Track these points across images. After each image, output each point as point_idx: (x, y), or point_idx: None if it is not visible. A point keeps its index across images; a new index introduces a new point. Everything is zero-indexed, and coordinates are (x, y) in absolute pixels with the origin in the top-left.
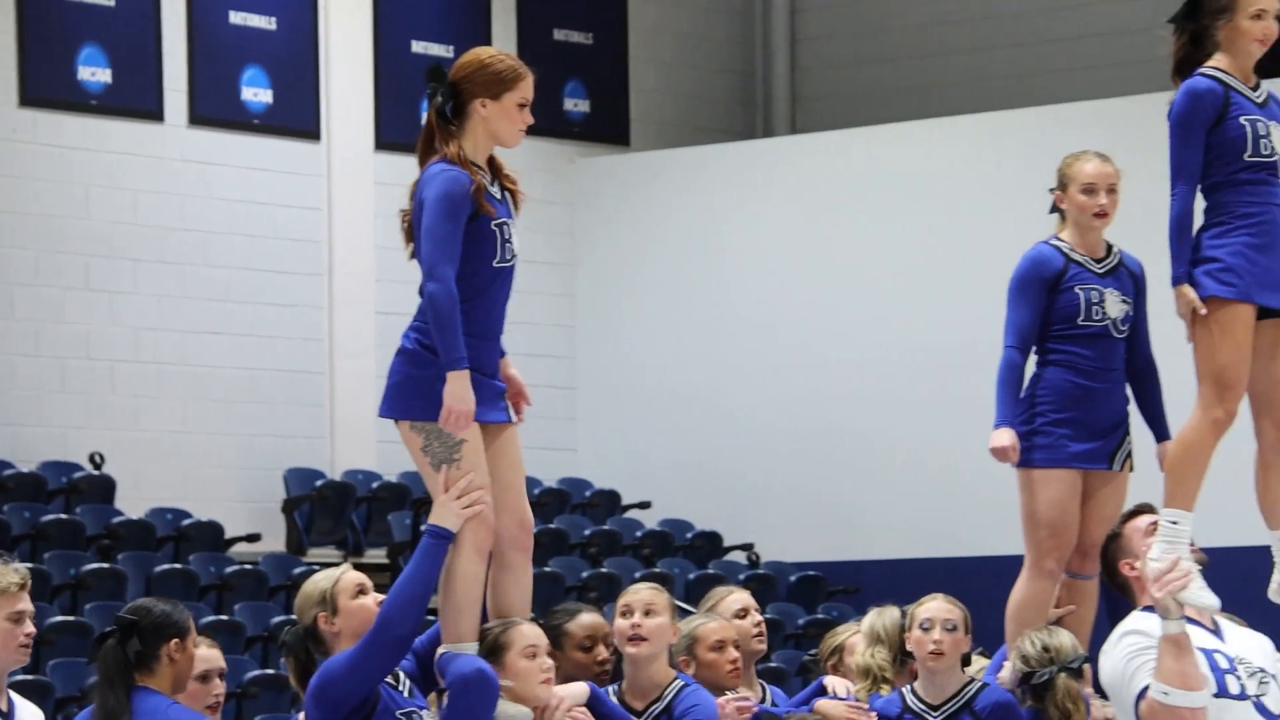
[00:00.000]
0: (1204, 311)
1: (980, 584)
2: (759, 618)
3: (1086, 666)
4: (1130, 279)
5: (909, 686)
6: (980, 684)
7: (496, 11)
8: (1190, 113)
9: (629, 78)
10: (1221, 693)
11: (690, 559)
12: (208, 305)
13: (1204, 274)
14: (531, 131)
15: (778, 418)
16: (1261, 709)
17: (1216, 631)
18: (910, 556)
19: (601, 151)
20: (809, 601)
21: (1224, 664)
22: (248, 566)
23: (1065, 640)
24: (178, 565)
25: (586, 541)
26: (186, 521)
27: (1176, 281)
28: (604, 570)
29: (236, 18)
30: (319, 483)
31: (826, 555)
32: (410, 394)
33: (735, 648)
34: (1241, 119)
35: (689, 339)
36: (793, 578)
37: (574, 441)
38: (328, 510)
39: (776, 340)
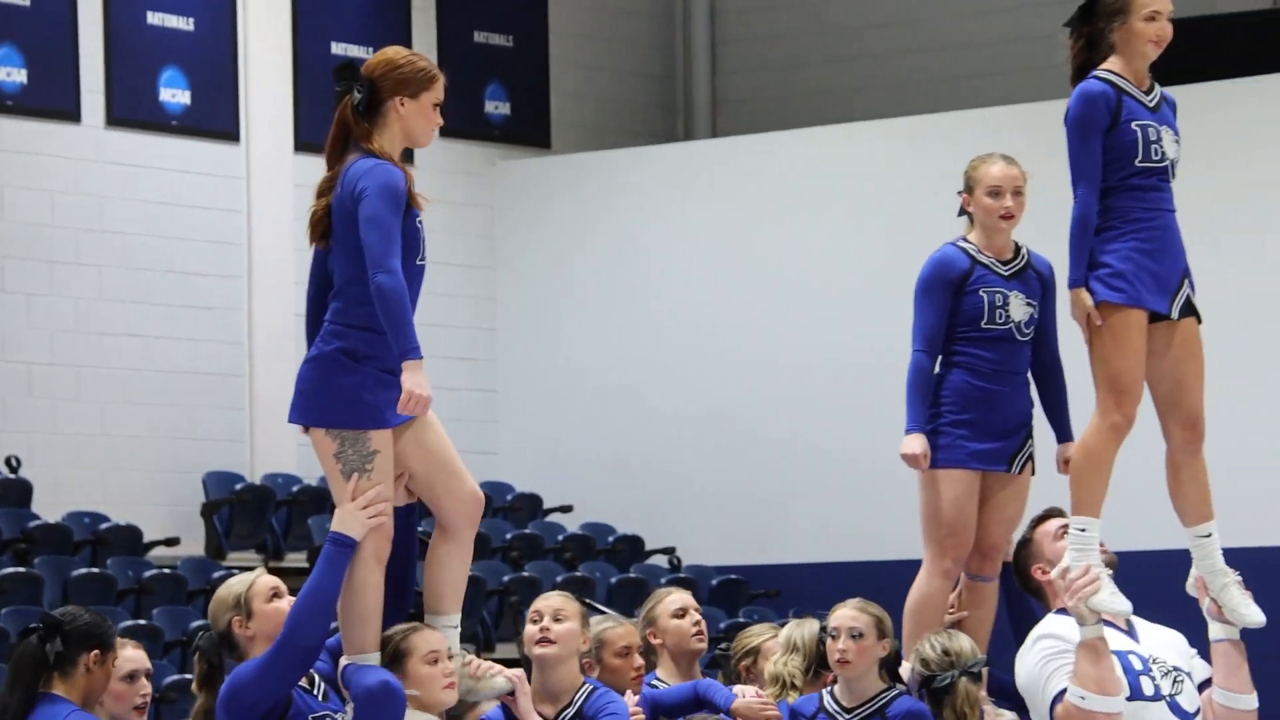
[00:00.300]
0: (1099, 322)
1: (903, 587)
2: (698, 617)
3: (985, 670)
4: (1038, 281)
5: (829, 689)
6: (897, 691)
7: (416, 13)
8: (1085, 116)
9: (550, 80)
10: (1135, 695)
11: (612, 562)
12: (126, 307)
13: (1095, 280)
14: (452, 134)
15: (700, 421)
16: (1176, 708)
17: (1130, 632)
18: (832, 560)
19: (522, 154)
20: (730, 605)
21: (1138, 665)
22: (166, 570)
23: (965, 644)
24: (95, 569)
25: (508, 545)
26: (104, 525)
27: (1073, 285)
28: (525, 574)
29: (154, 18)
30: (238, 486)
31: (748, 559)
32: (327, 400)
33: (640, 654)
34: (1133, 124)
35: (610, 342)
36: (714, 581)
37: (495, 445)
38: (247, 514)
39: (697, 343)
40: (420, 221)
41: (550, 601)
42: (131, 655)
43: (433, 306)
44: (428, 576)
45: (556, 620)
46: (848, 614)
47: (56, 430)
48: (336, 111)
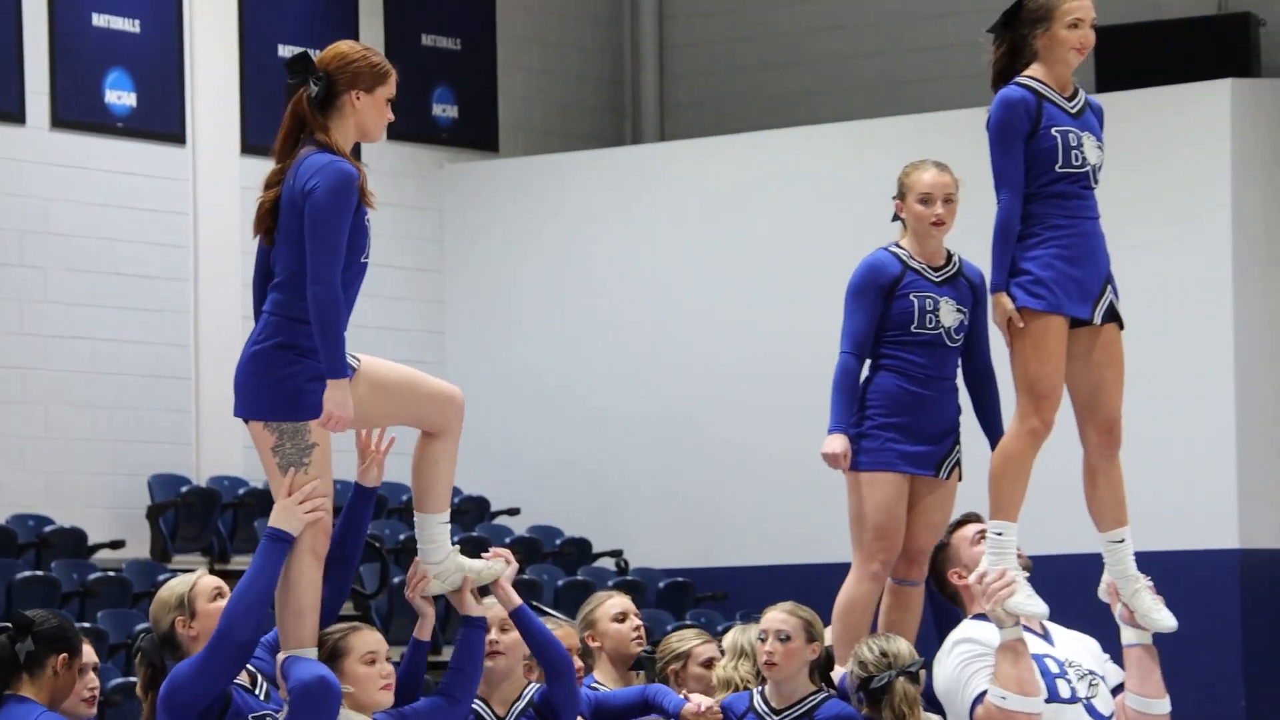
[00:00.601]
0: (1021, 324)
1: None
2: (638, 621)
3: (923, 672)
4: (968, 288)
5: (760, 688)
6: (826, 695)
7: (364, 16)
8: (1005, 122)
9: (498, 84)
10: (1053, 697)
11: (559, 565)
12: (71, 309)
13: (1016, 286)
14: (400, 137)
15: (647, 423)
16: (1092, 711)
17: (1046, 636)
18: (780, 563)
19: (470, 157)
20: (677, 608)
21: (1054, 669)
22: (111, 573)
23: (903, 646)
24: (39, 572)
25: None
26: (49, 528)
27: (994, 290)
28: None
29: (99, 20)
30: (184, 489)
31: (695, 561)
32: (266, 393)
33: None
34: (1054, 130)
35: (558, 345)
36: (661, 584)
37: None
38: (193, 516)
39: (645, 346)
40: (368, 220)
41: (496, 612)
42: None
43: (380, 309)
44: (420, 476)
45: (503, 630)
46: (776, 616)
47: (1, 433)
48: (290, 103)
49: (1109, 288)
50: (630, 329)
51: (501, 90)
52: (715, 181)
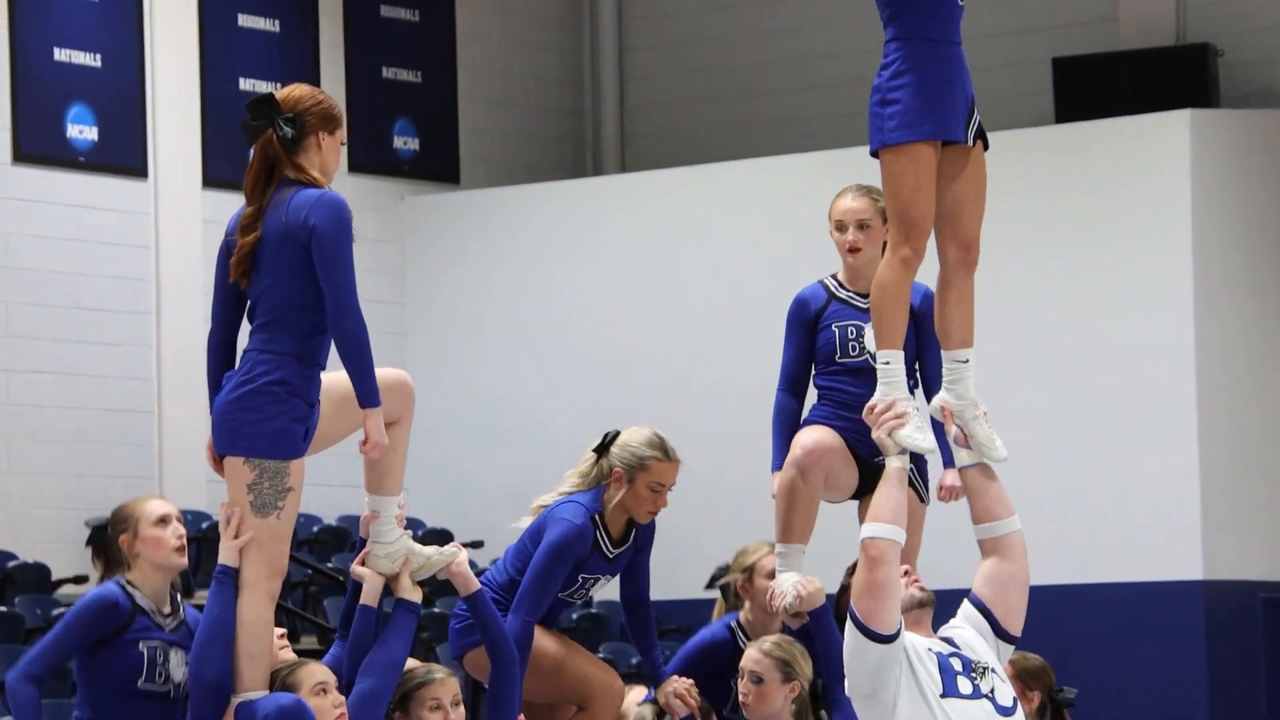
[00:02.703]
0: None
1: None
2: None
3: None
4: None
5: None
6: None
7: (325, 49)
8: None
9: (458, 116)
10: (953, 694)
11: None
12: (32, 344)
13: (888, 119)
14: (361, 169)
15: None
16: (995, 705)
17: (950, 640)
18: None
19: (431, 190)
20: None
21: (958, 666)
22: None
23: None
24: (3, 608)
25: (419, 582)
26: (12, 563)
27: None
28: (436, 610)
29: (61, 54)
30: None
31: (660, 594)
32: (253, 430)
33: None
34: None
35: (520, 376)
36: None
37: (405, 479)
38: None
39: (608, 377)
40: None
41: (449, 686)
42: (158, 504)
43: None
44: (375, 462)
45: (455, 705)
46: (751, 655)
47: None
48: (257, 146)
49: (974, 108)
50: (593, 360)
51: (462, 122)
52: (676, 212)
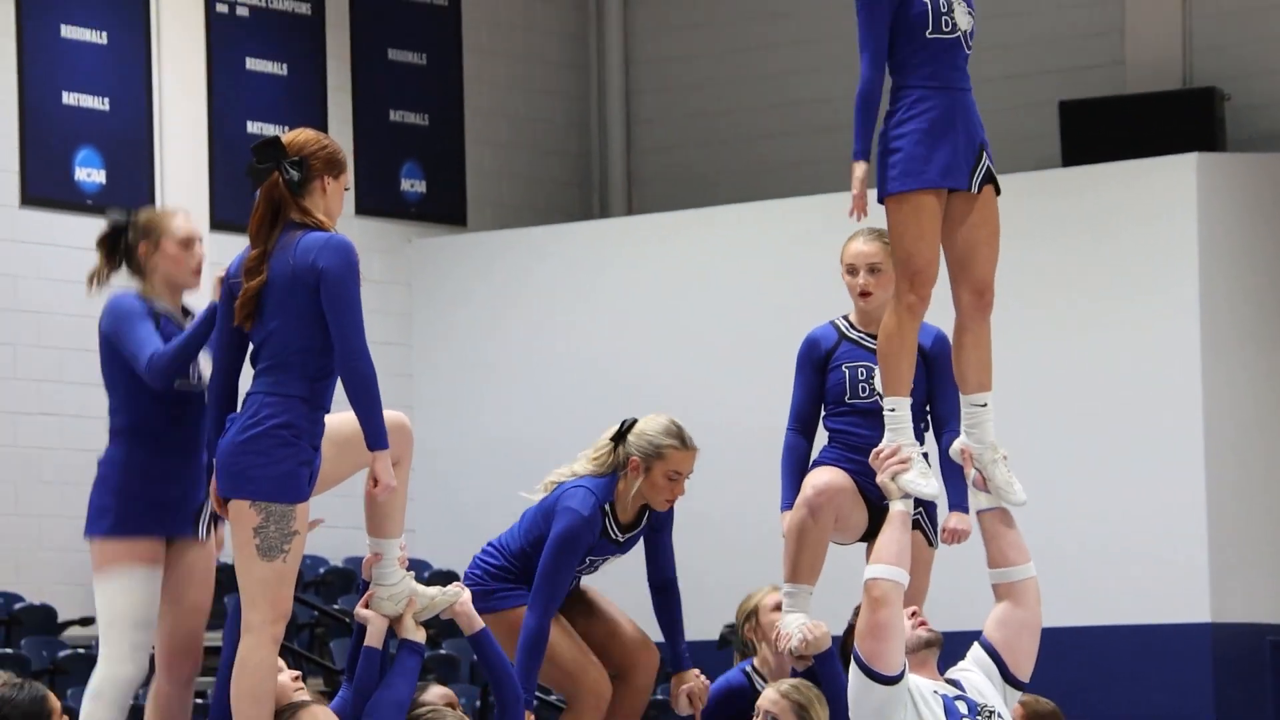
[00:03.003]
0: (861, 203)
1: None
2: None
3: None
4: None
5: None
6: None
7: (332, 91)
8: None
9: (465, 159)
10: None
11: None
12: (39, 386)
13: (891, 165)
14: (368, 212)
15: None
16: None
17: (956, 683)
18: None
19: (438, 232)
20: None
21: (964, 709)
22: (81, 650)
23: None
24: (9, 650)
25: (424, 623)
26: (18, 605)
27: (855, 157)
28: (443, 652)
29: (69, 98)
30: None
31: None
32: (260, 473)
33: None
34: None
35: (527, 418)
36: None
37: (411, 522)
38: None
39: (614, 419)
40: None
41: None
42: (184, 223)
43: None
44: (376, 504)
45: None
46: (769, 696)
47: None
48: (263, 189)
49: (984, 153)
50: (600, 402)
51: (469, 165)
52: (683, 255)
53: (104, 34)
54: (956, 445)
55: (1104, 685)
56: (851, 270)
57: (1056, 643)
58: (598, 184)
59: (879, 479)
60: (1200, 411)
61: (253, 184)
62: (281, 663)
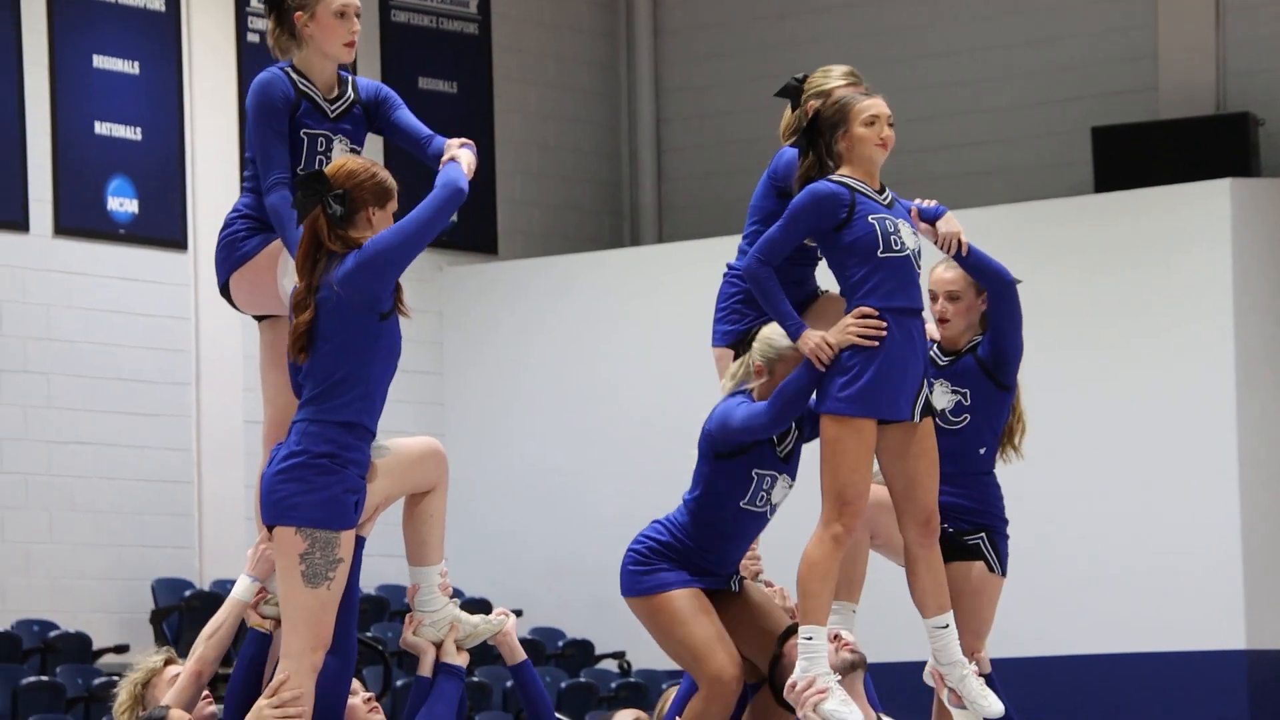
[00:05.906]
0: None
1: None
2: None
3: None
4: (974, 364)
5: None
6: None
7: None
8: (806, 209)
9: (496, 187)
10: None
11: (562, 667)
12: (73, 415)
13: (831, 393)
14: None
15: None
16: None
17: None
18: None
19: (469, 260)
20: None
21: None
22: (116, 678)
23: None
24: (44, 677)
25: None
26: (54, 633)
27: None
28: (475, 679)
29: (102, 128)
30: (188, 593)
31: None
32: (305, 500)
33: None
34: (870, 218)
35: (558, 446)
36: (665, 685)
37: (444, 548)
38: (197, 620)
39: (646, 447)
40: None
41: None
42: None
43: (381, 413)
44: (415, 532)
45: None
46: None
47: (4, 538)
48: (307, 222)
49: (925, 382)
50: (631, 430)
51: (500, 193)
52: (714, 283)
53: (136, 64)
54: (927, 670)
55: (1140, 713)
56: (930, 296)
57: (1092, 669)
58: (628, 212)
59: (800, 713)
60: (1235, 437)
61: (299, 217)
62: (357, 684)
